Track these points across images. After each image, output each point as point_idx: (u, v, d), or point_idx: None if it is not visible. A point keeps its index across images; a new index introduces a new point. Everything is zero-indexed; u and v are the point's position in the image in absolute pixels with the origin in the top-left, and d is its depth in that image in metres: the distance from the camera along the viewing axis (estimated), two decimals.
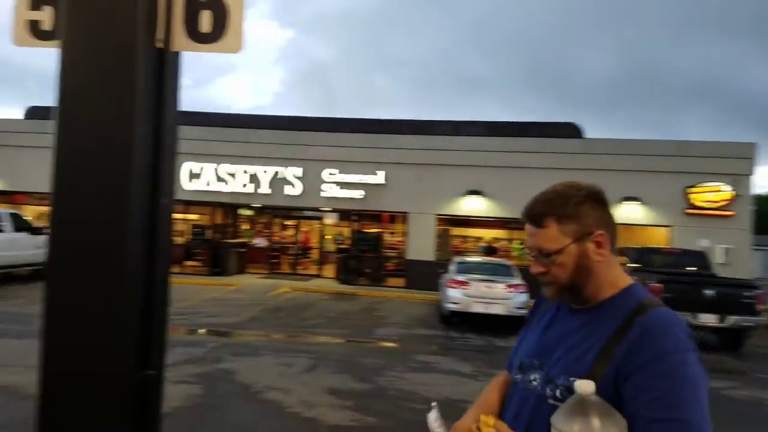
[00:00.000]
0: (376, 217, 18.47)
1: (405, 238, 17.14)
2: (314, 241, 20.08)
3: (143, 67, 1.47)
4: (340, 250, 17.84)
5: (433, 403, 1.40)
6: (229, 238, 18.16)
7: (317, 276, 18.21)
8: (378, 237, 17.88)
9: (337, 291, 15.21)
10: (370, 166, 16.54)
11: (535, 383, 1.26)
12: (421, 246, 16.51)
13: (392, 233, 18.62)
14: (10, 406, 5.21)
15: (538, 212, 1.27)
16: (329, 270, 18.25)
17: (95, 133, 1.47)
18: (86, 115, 1.47)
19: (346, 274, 16.69)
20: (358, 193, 16.62)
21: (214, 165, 16.80)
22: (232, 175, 16.95)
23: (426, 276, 15.33)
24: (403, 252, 17.30)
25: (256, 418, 5.31)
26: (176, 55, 1.60)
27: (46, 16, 1.63)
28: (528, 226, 1.29)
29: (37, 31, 1.64)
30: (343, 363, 7.46)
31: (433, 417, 1.36)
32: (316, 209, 18.13)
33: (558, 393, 1.19)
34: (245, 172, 16.93)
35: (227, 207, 18.41)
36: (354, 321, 11.05)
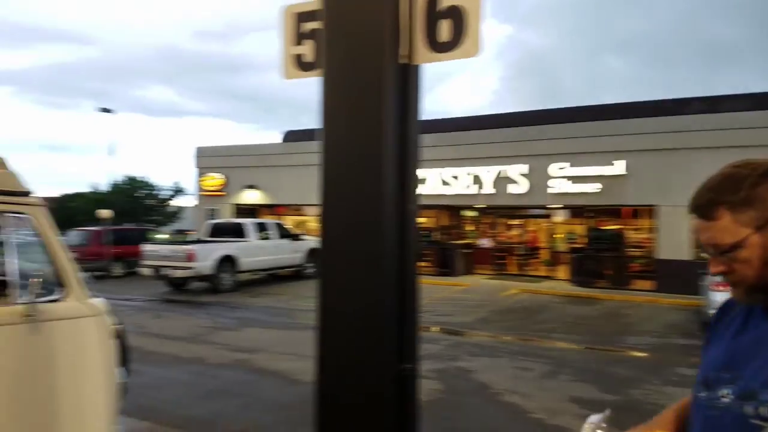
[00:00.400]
0: (614, 212, 16.77)
1: (653, 234, 15.15)
2: (543, 241, 19.20)
3: (390, 84, 1.59)
4: (573, 250, 16.68)
5: (607, 411, 1.26)
6: (454, 240, 18.53)
7: (548, 277, 17.39)
8: (618, 234, 16.20)
9: (571, 294, 14.32)
10: (607, 156, 15.05)
11: (726, 400, 1.07)
12: (674, 243, 14.33)
13: (636, 229, 16.66)
14: (286, 388, 6.08)
15: (706, 202, 1.09)
16: (561, 271, 17.24)
17: (352, 147, 1.62)
18: (344, 132, 1.63)
19: (581, 276, 15.53)
20: (593, 187, 15.30)
21: (439, 169, 17.33)
22: (456, 177, 17.24)
23: (681, 277, 13.27)
24: (650, 250, 15.32)
25: (499, 419, 5.28)
26: (417, 68, 1.67)
27: (307, 50, 1.83)
28: (697, 220, 1.12)
29: (301, 64, 1.85)
30: (586, 371, 6.97)
31: (593, 420, 1.20)
32: (544, 207, 17.33)
33: (763, 410, 1.00)
34: (468, 174, 17.06)
35: (452, 209, 18.79)
36: (595, 327, 10.20)
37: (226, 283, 13.98)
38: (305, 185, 19.02)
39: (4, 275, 2.43)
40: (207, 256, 13.61)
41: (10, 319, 2.25)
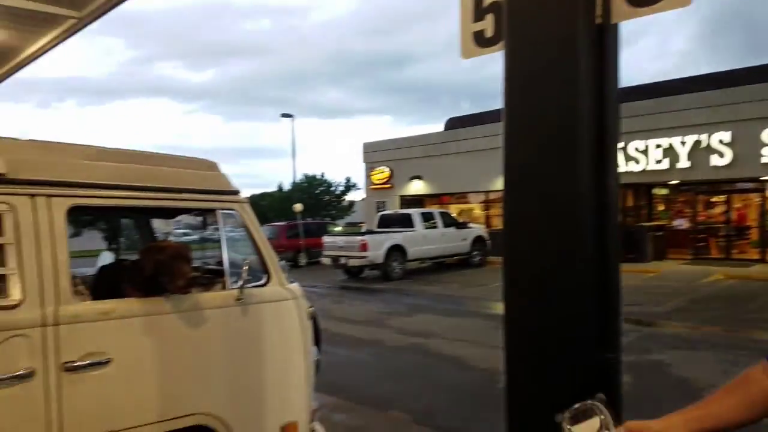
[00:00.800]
0: None
1: None
2: (753, 219, 16.43)
3: (585, 49, 1.45)
4: None
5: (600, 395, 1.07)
6: (642, 221, 16.84)
7: (760, 261, 14.94)
8: None
9: None
10: None
11: None
12: None
13: None
14: (461, 373, 6.17)
15: None
16: None
17: (541, 121, 1.51)
18: (532, 106, 1.53)
19: None
20: None
21: (622, 144, 15.80)
22: (643, 152, 15.61)
23: None
24: None
25: None
26: (615, 27, 1.51)
27: (488, 25, 1.75)
28: None
29: (481, 40, 1.78)
30: None
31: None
32: (755, 179, 14.83)
33: None
34: (658, 146, 15.32)
35: (639, 187, 17.10)
36: None
37: (396, 271, 14.54)
38: (469, 172, 18.90)
39: (220, 264, 2.81)
40: (378, 246, 14.29)
41: (226, 302, 2.58)
